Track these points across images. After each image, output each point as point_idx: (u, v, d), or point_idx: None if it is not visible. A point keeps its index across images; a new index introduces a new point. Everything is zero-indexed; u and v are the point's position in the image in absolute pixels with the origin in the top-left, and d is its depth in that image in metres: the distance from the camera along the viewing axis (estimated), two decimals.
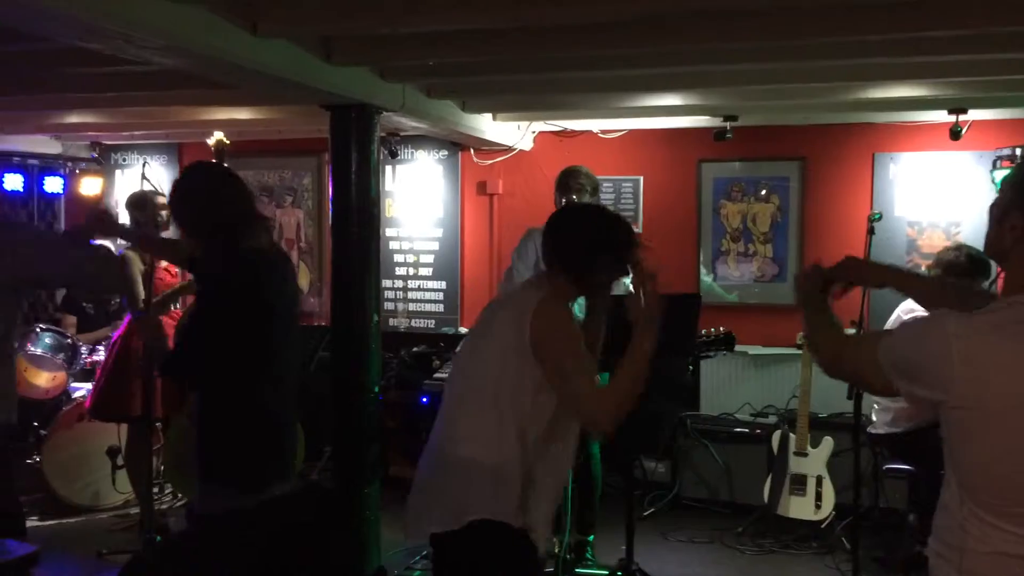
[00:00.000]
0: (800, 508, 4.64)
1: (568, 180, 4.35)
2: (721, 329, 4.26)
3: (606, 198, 5.87)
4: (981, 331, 1.58)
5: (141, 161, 6.67)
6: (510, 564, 2.40)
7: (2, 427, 2.88)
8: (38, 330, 5.32)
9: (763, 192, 5.61)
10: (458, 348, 2.49)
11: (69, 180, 6.62)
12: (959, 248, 4.20)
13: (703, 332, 4.22)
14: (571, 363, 2.33)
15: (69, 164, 6.65)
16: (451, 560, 2.46)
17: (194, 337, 2.74)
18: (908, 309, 3.99)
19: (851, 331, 4.96)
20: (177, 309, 4.58)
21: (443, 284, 6.20)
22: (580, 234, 2.48)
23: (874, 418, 4.36)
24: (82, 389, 5.30)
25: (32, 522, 4.55)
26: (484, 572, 2.41)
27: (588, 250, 2.44)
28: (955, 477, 1.64)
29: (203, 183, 2.81)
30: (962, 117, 4.79)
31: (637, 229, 5.79)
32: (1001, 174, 4.86)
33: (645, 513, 5.04)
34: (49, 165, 6.53)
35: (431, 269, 6.23)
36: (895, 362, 1.68)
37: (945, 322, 1.61)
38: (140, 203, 4.63)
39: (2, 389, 2.45)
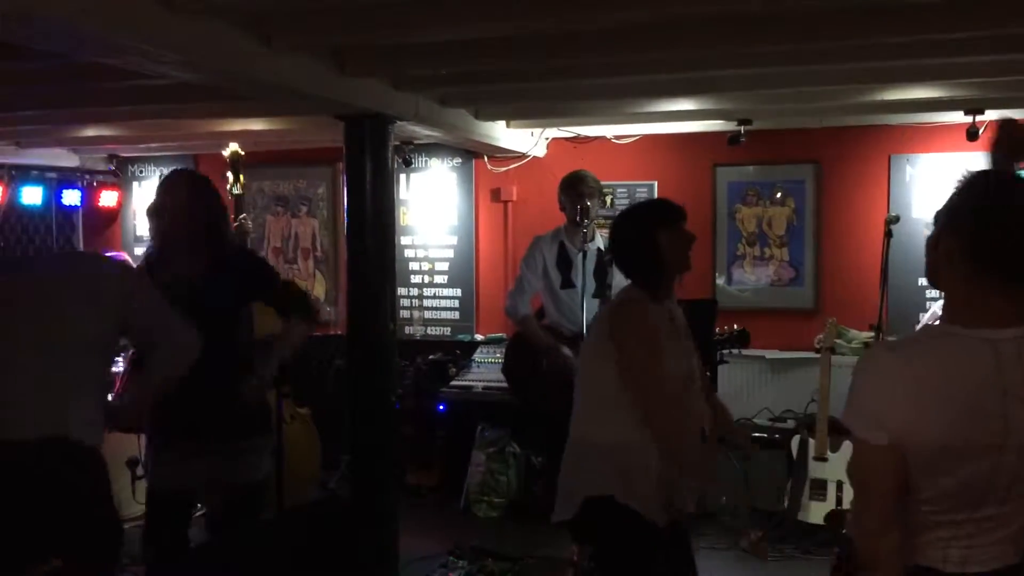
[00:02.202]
0: (821, 513, 4.61)
1: (579, 186, 4.36)
2: (735, 327, 4.25)
3: (620, 203, 5.87)
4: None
5: (158, 173, 6.78)
6: (622, 538, 2.64)
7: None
8: None
9: (778, 195, 5.59)
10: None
11: (87, 193, 6.67)
12: None
13: (716, 331, 4.21)
14: (639, 358, 2.60)
15: (87, 177, 6.70)
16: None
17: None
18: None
19: (870, 335, 4.95)
20: None
21: (458, 291, 6.21)
22: (628, 226, 2.77)
23: None
24: None
25: None
26: (607, 547, 2.73)
27: (644, 236, 2.69)
28: None
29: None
30: (979, 117, 4.75)
31: None
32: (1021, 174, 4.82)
33: None
34: (67, 178, 6.58)
35: (446, 277, 6.24)
36: None
37: None
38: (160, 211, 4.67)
39: (96, 417, 2.57)
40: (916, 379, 1.60)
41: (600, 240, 4.44)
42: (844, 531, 1.86)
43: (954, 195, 1.69)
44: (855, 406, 1.68)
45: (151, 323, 2.64)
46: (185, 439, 3.04)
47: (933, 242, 1.71)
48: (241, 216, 4.78)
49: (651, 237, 2.68)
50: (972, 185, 1.68)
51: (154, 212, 4.77)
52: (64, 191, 6.53)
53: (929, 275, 1.76)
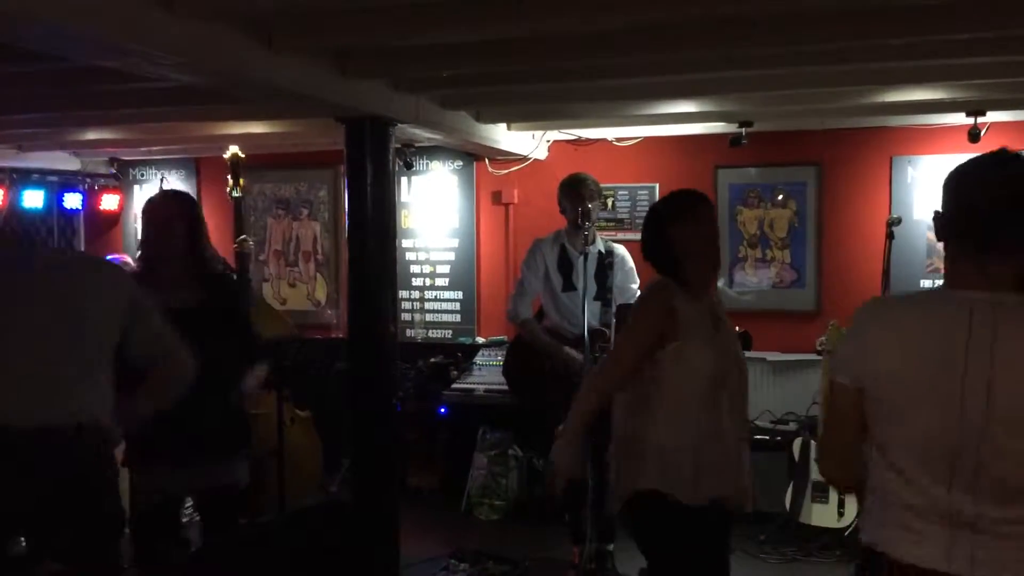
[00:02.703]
0: (823, 516, 4.60)
1: (580, 189, 4.36)
2: (737, 329, 4.24)
3: (621, 206, 5.87)
4: None
5: (159, 176, 6.79)
6: (666, 529, 2.66)
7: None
8: None
9: (780, 198, 5.58)
10: None
11: (88, 196, 6.68)
12: None
13: None
14: (620, 345, 2.77)
15: (88, 180, 6.71)
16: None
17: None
18: None
19: None
20: None
21: (459, 294, 6.20)
22: (647, 221, 2.81)
23: None
24: None
25: None
26: (651, 541, 2.73)
27: (657, 231, 2.72)
28: None
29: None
30: (980, 119, 4.74)
31: None
32: None
33: None
34: (68, 181, 6.58)
35: (447, 279, 6.23)
36: None
37: None
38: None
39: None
40: (898, 324, 1.79)
41: (601, 243, 4.43)
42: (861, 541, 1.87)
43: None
44: (838, 351, 1.95)
45: (152, 338, 2.66)
46: (166, 451, 3.04)
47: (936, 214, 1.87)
48: (240, 237, 4.77)
49: (663, 232, 2.69)
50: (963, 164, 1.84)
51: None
52: (65, 194, 6.53)
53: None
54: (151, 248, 3.17)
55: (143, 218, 3.25)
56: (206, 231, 3.23)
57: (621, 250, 4.54)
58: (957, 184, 1.82)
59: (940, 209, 1.84)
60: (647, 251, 2.78)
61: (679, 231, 2.67)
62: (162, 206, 3.20)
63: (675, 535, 2.64)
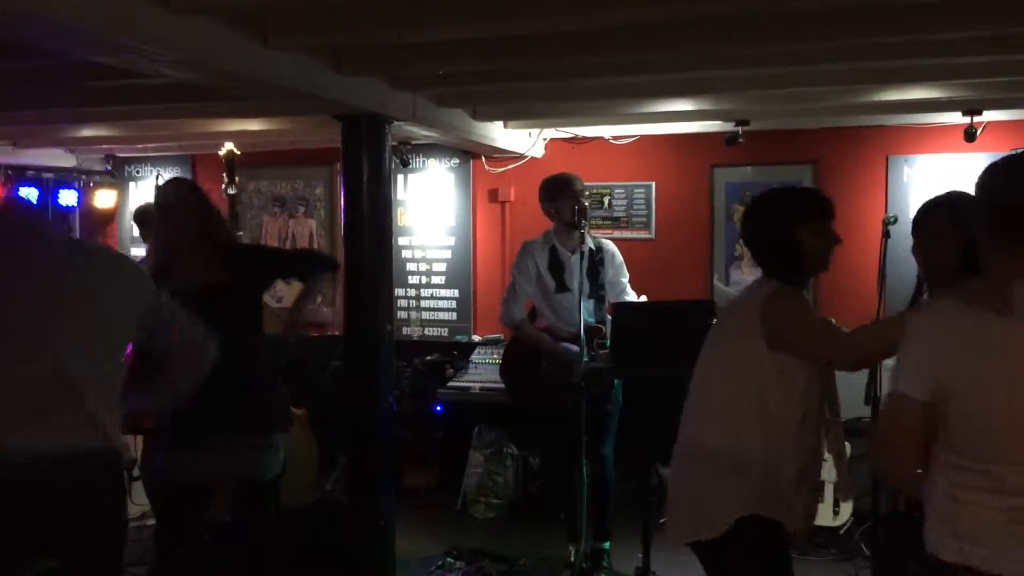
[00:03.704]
0: (818, 514, 4.60)
1: (573, 186, 4.34)
2: None
3: (617, 204, 5.87)
4: None
5: (155, 173, 6.77)
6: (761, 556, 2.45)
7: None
8: None
9: None
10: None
11: (83, 193, 6.66)
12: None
13: None
14: (818, 333, 2.41)
15: (83, 177, 6.69)
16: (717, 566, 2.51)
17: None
18: None
19: None
20: None
21: (456, 292, 6.20)
22: (773, 220, 2.52)
23: None
24: None
25: None
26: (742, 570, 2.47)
27: (787, 230, 2.46)
28: None
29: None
30: (977, 118, 4.74)
31: (650, 235, 5.78)
32: None
33: (662, 520, 4.99)
34: (63, 178, 6.56)
35: (443, 277, 6.23)
36: None
37: None
38: (146, 216, 4.69)
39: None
40: (969, 332, 1.72)
41: (590, 240, 4.40)
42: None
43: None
44: (900, 362, 1.80)
45: (172, 326, 2.59)
46: (194, 433, 3.04)
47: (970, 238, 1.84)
48: (237, 235, 4.77)
49: (792, 232, 2.46)
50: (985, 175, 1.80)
51: (141, 218, 4.80)
52: (60, 191, 6.51)
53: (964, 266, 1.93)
54: (162, 237, 3.19)
55: (154, 210, 3.28)
56: (216, 213, 3.28)
57: (610, 245, 4.53)
58: (1009, 181, 1.76)
59: (986, 206, 1.79)
60: (765, 245, 2.52)
61: (812, 232, 2.49)
62: (164, 194, 3.23)
63: (775, 568, 2.49)
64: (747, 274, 5.67)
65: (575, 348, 4.17)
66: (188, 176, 6.70)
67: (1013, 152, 1.88)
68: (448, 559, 4.48)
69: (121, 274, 2.51)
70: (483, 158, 6.05)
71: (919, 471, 1.84)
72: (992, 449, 1.71)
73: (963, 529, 1.73)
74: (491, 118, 5.20)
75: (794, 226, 2.46)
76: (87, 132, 5.52)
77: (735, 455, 2.38)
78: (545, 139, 5.92)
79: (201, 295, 2.89)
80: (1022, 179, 1.76)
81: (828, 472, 4.62)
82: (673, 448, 2.59)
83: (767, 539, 2.42)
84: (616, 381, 4.22)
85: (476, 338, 6.06)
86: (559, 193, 4.37)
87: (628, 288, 4.48)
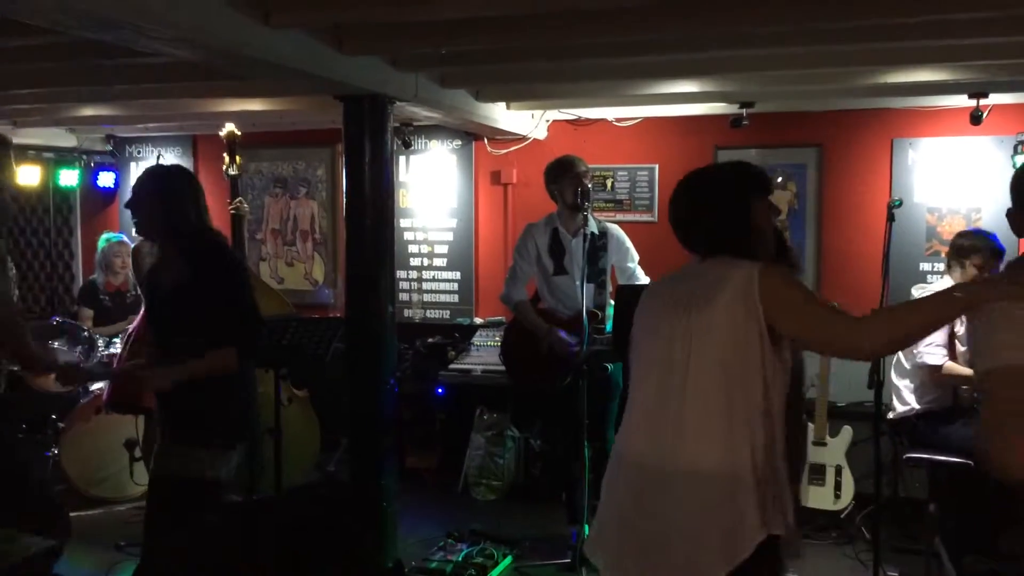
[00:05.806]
0: (819, 498, 4.61)
1: (576, 167, 4.34)
2: None
3: (620, 187, 5.84)
4: None
5: (156, 153, 6.75)
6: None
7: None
8: (54, 323, 5.34)
9: (780, 179, 5.56)
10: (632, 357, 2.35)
11: (85, 173, 6.64)
12: (976, 233, 4.23)
13: None
14: (818, 308, 2.09)
15: (84, 157, 6.67)
16: None
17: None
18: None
19: None
20: None
21: (457, 275, 6.19)
22: (723, 195, 2.25)
23: (895, 406, 4.32)
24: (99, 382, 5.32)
25: None
26: None
27: (740, 206, 2.21)
28: None
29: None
30: (983, 101, 4.70)
31: (652, 219, 5.76)
32: (1022, 159, 4.78)
33: None
34: (64, 158, 6.55)
35: (445, 259, 6.21)
36: None
37: None
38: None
39: None
40: None
41: (594, 223, 4.39)
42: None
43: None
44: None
45: None
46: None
47: None
48: (236, 200, 4.74)
49: (745, 205, 2.20)
50: None
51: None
52: (61, 171, 6.50)
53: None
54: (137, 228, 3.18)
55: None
56: (188, 206, 3.03)
57: (615, 229, 4.52)
58: None
59: None
60: (708, 228, 2.24)
61: (759, 208, 2.23)
62: (137, 185, 3.16)
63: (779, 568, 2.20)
64: None
65: (567, 339, 4.19)
66: (190, 156, 6.69)
67: None
68: (449, 540, 4.49)
69: None
70: (485, 140, 6.02)
71: None
72: None
73: None
74: (494, 99, 5.17)
75: (748, 202, 2.21)
76: (88, 111, 5.50)
77: (755, 465, 2.07)
78: (548, 121, 5.89)
79: (160, 288, 2.91)
80: None
81: (830, 456, 4.65)
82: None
83: (779, 562, 2.19)
84: (616, 364, 4.22)
85: (478, 320, 6.06)
86: (562, 174, 4.36)
87: (638, 272, 4.47)
